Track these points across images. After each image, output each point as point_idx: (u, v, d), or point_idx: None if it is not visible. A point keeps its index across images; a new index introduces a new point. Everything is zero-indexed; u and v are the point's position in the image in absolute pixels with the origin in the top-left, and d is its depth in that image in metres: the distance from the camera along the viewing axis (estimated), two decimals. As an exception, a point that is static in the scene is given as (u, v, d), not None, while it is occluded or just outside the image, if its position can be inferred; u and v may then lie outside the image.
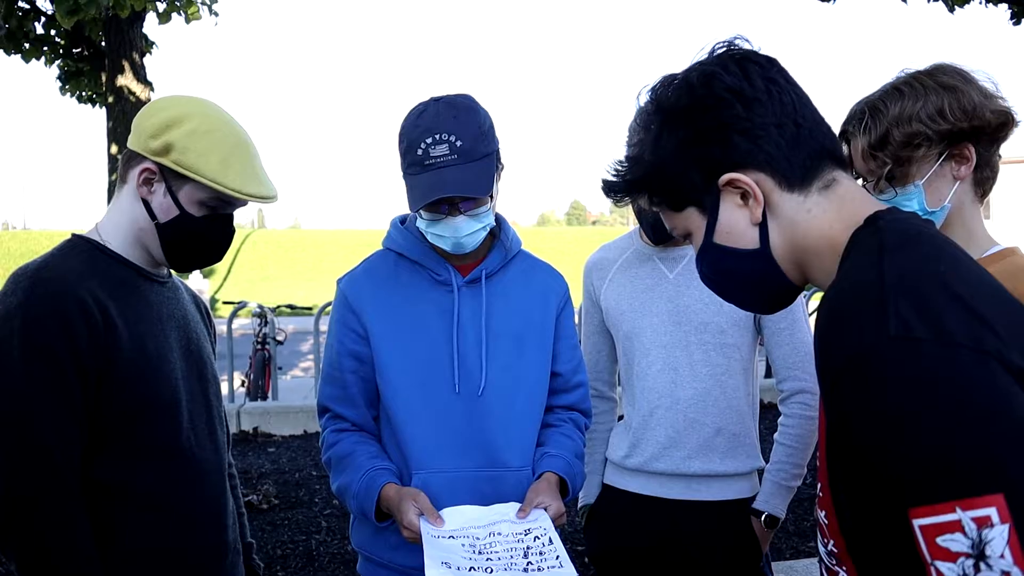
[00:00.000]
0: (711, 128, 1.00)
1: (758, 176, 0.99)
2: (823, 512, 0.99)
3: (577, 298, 2.28)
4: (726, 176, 1.00)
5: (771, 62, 1.02)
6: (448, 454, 1.71)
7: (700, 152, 1.01)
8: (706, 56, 1.05)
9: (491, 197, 1.70)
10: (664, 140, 1.03)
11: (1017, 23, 6.71)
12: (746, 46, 1.04)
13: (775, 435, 2.13)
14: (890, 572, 0.85)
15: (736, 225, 1.03)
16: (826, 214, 0.99)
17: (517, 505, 1.65)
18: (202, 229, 1.58)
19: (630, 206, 2.06)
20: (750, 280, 1.06)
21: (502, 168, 1.75)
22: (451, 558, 1.49)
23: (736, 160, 0.99)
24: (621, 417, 2.23)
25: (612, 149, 2.09)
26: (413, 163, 1.63)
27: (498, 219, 1.82)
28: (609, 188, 1.12)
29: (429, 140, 1.61)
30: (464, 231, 1.67)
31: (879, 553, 0.86)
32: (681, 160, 1.02)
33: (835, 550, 0.98)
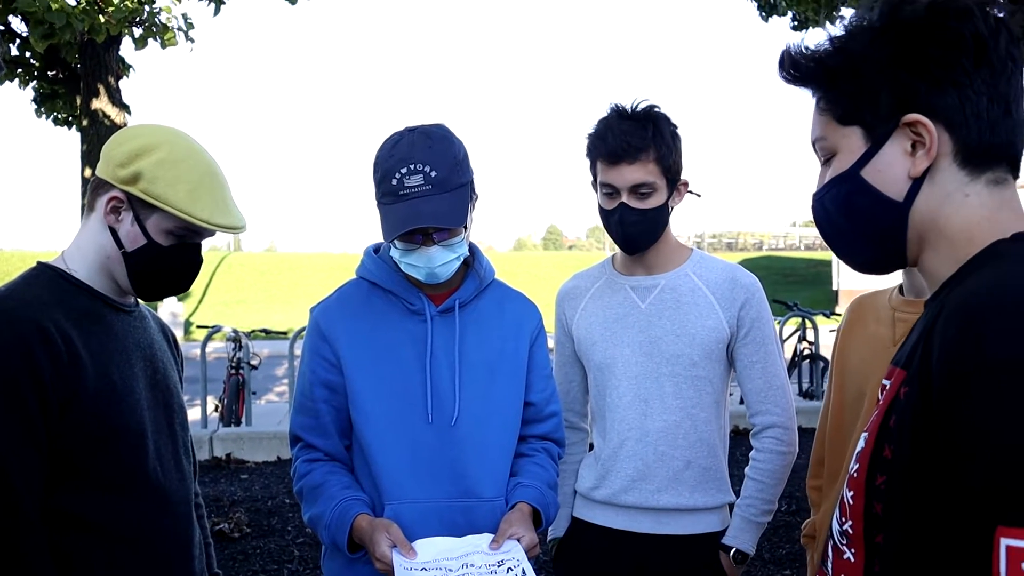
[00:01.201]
0: (933, 62, 0.92)
1: (943, 134, 0.93)
2: (851, 492, 0.96)
3: (551, 326, 2.28)
4: (915, 116, 0.93)
5: (1019, 40, 0.96)
6: (421, 484, 1.70)
7: (907, 78, 0.93)
8: None
9: (465, 227, 1.69)
10: (880, 44, 0.95)
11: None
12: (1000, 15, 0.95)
13: (747, 469, 2.11)
14: (926, 570, 0.84)
15: (892, 168, 0.96)
16: (981, 208, 0.93)
17: (490, 536, 1.64)
18: (170, 258, 1.57)
19: (605, 231, 2.06)
20: (871, 229, 0.99)
21: (476, 198, 1.75)
22: None
23: (933, 106, 0.92)
24: (592, 447, 2.21)
25: (588, 173, 2.09)
26: (387, 193, 1.63)
27: (472, 248, 1.82)
28: (793, 64, 1.01)
29: (404, 170, 1.61)
30: (438, 261, 1.67)
31: (925, 551, 0.85)
32: (884, 73, 0.94)
33: (850, 531, 0.96)
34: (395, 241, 1.67)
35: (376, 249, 1.86)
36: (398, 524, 1.63)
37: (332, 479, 1.72)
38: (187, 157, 1.54)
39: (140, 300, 1.69)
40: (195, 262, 1.63)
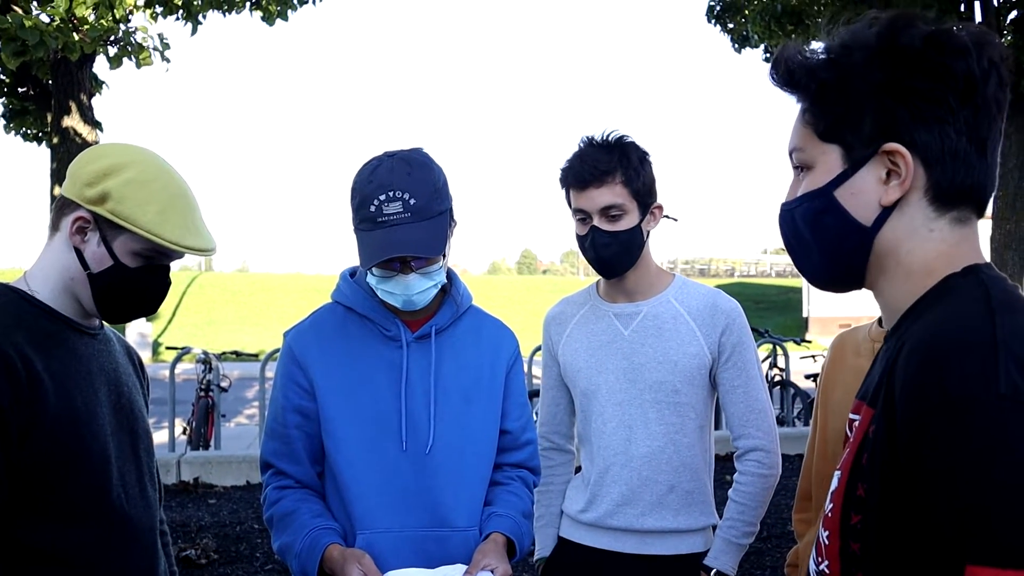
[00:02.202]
0: (920, 95, 0.92)
1: (919, 168, 0.94)
2: (827, 532, 0.96)
3: (527, 350, 2.28)
4: (895, 145, 0.93)
5: (1007, 84, 0.97)
6: (394, 513, 1.67)
7: (893, 106, 0.93)
8: (973, 25, 0.95)
9: (444, 255, 1.69)
10: (873, 67, 0.94)
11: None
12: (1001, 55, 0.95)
13: (729, 491, 2.14)
14: None
15: (865, 193, 0.96)
16: (943, 244, 0.95)
17: (463, 567, 1.62)
18: (136, 281, 1.53)
19: (581, 256, 2.08)
20: (835, 249, 1.00)
21: (455, 225, 1.73)
22: None
23: (914, 139, 0.93)
24: (579, 469, 2.22)
25: (563, 198, 2.10)
26: (365, 219, 1.61)
27: (449, 274, 1.81)
28: (787, 68, 1.02)
29: (383, 197, 1.59)
30: (415, 289, 1.65)
31: None
32: (871, 97, 0.94)
33: (827, 571, 0.96)
34: (373, 268, 1.65)
35: (352, 273, 1.84)
36: (371, 554, 1.60)
37: (303, 507, 1.69)
38: (157, 177, 1.51)
39: (105, 323, 1.66)
40: (163, 284, 1.59)
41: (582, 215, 2.01)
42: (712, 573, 2.05)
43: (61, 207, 1.52)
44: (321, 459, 1.74)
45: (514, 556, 1.73)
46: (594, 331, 2.11)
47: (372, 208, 1.59)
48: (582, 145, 2.03)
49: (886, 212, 0.96)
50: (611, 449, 2.05)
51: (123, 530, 1.54)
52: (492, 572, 1.59)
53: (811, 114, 1.00)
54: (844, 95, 0.97)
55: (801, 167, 1.03)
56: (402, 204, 1.58)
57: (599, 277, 2.14)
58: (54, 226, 1.54)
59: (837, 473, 0.97)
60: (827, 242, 1.01)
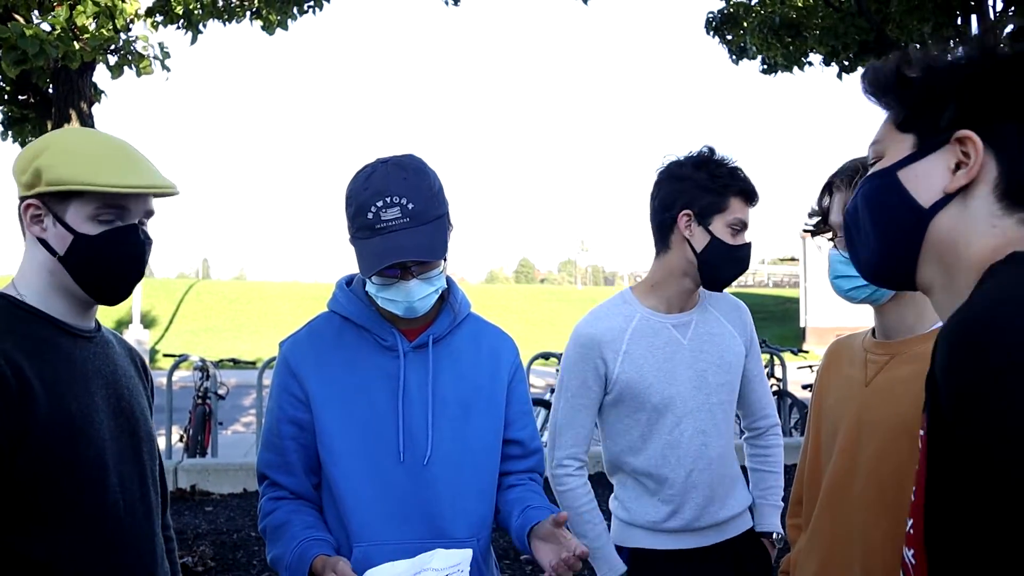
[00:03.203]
0: (1006, 90, 0.92)
1: (990, 161, 0.92)
2: (911, 551, 0.91)
3: (526, 359, 2.28)
4: (967, 132, 0.92)
5: None
6: (391, 525, 1.65)
7: (976, 97, 0.93)
8: None
9: (444, 259, 1.67)
10: (963, 67, 0.94)
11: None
12: None
13: (758, 464, 2.36)
14: None
15: (930, 177, 0.95)
16: (1004, 241, 0.91)
17: (441, 551, 1.59)
18: (103, 247, 1.45)
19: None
20: (891, 228, 0.98)
21: (452, 229, 1.70)
22: None
23: (991, 130, 0.92)
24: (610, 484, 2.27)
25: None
26: (363, 227, 1.58)
27: (448, 281, 1.79)
28: (874, 75, 1.01)
29: (380, 203, 1.56)
30: (416, 295, 1.62)
31: None
32: (955, 91, 0.94)
33: None
34: (372, 276, 1.62)
35: (348, 282, 1.82)
36: (368, 566, 1.58)
37: (295, 518, 1.68)
38: (84, 139, 1.47)
39: (105, 326, 1.63)
40: (133, 243, 1.48)
41: (741, 227, 2.09)
42: (775, 536, 2.27)
43: (20, 211, 1.48)
44: (317, 470, 1.72)
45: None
46: (655, 344, 2.13)
47: (370, 215, 1.56)
48: (728, 160, 2.10)
49: (947, 198, 0.94)
50: (690, 456, 2.12)
51: (122, 538, 1.51)
52: (573, 552, 1.48)
53: (893, 106, 1.00)
54: (928, 87, 0.97)
55: (876, 159, 1.03)
56: (400, 209, 1.56)
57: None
58: (23, 231, 1.51)
59: (913, 488, 0.92)
60: (884, 221, 0.99)
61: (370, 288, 1.67)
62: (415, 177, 1.60)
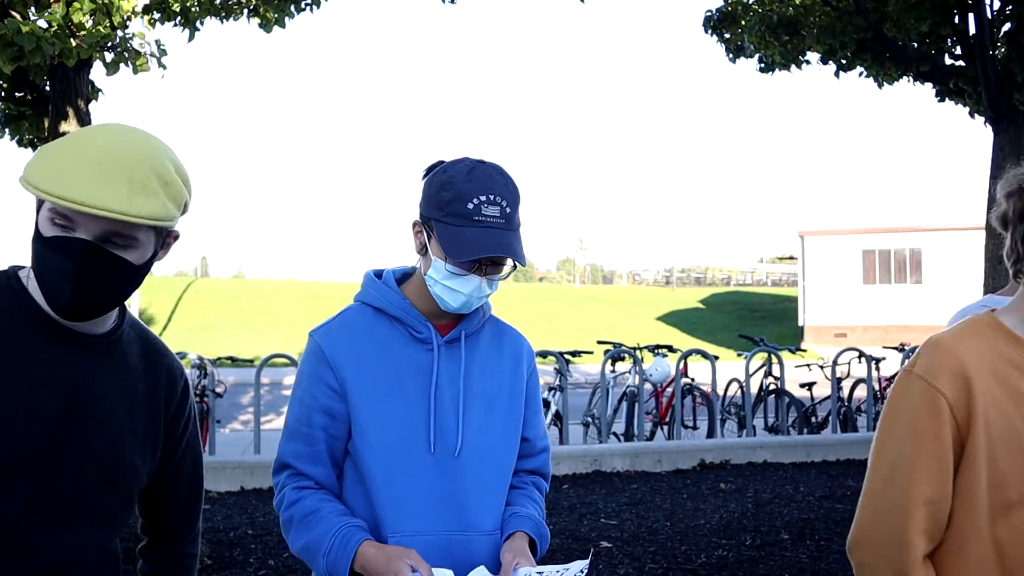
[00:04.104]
0: None
1: None
2: None
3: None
4: None
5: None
6: (422, 516, 1.67)
7: None
8: None
9: (513, 269, 1.75)
10: None
11: (941, 100, 7.04)
12: None
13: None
14: None
15: None
16: None
17: (486, 572, 1.62)
18: (49, 251, 1.31)
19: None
20: None
21: None
22: None
23: None
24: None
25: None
26: (458, 214, 1.64)
27: None
28: None
29: (483, 198, 1.64)
30: (479, 292, 1.69)
31: None
32: None
33: None
34: (448, 264, 1.66)
35: (378, 275, 1.84)
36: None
37: (326, 506, 1.68)
38: (78, 139, 1.33)
39: (141, 335, 1.52)
40: (73, 258, 1.30)
41: None
42: None
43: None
44: (341, 462, 1.74)
45: (536, 555, 1.73)
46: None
47: (469, 206, 1.63)
48: None
49: None
50: None
51: (21, 558, 1.36)
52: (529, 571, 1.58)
53: None
54: None
55: None
56: (499, 210, 1.64)
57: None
58: None
59: None
60: None
61: (434, 274, 1.69)
62: (511, 184, 1.70)
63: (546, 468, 1.93)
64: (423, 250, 1.73)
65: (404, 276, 1.81)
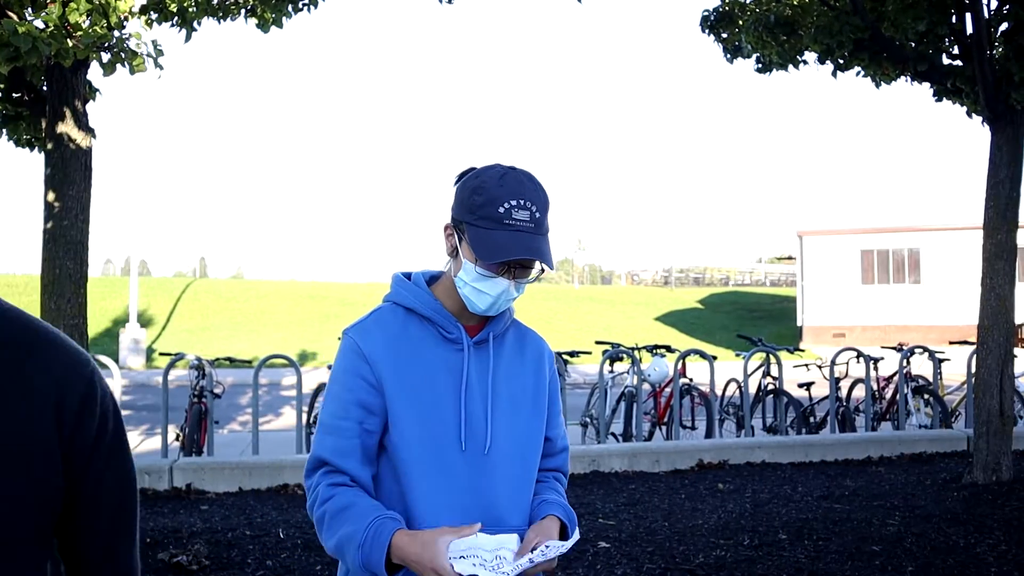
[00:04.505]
0: None
1: None
2: None
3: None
4: None
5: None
6: (453, 513, 1.71)
7: None
8: None
9: (541, 273, 1.80)
10: None
11: (939, 100, 7.04)
12: None
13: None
14: None
15: None
16: None
17: (516, 537, 1.69)
18: None
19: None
20: None
21: None
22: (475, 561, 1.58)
23: None
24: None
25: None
26: (489, 218, 1.69)
27: None
28: None
29: (514, 203, 1.69)
30: (507, 295, 1.74)
31: None
32: None
33: None
34: (478, 266, 1.71)
35: (407, 276, 1.89)
36: None
37: (360, 500, 1.70)
38: None
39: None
40: None
41: None
42: None
43: None
44: (374, 460, 1.76)
45: (566, 539, 1.78)
46: None
47: (500, 210, 1.68)
48: None
49: None
50: None
51: None
52: (546, 547, 1.63)
53: None
54: None
55: None
56: (529, 215, 1.69)
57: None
58: None
59: None
60: None
61: (464, 276, 1.75)
62: (541, 190, 1.74)
63: (566, 467, 2.00)
64: (454, 252, 1.78)
65: (432, 278, 1.86)
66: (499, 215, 1.68)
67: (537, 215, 1.70)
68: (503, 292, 1.73)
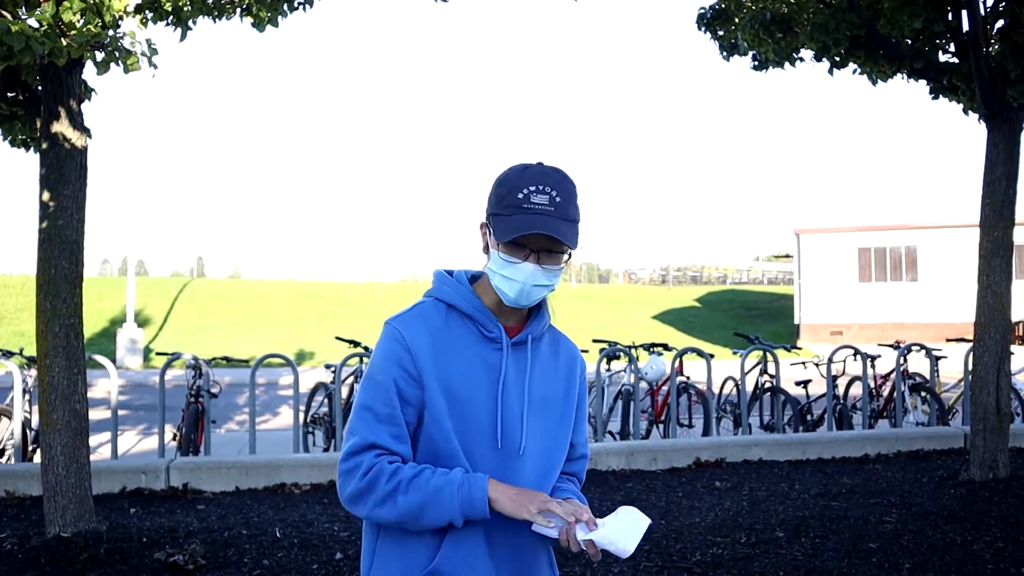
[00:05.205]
0: None
1: None
2: None
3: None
4: None
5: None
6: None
7: None
8: None
9: (565, 262, 1.80)
10: None
11: (935, 97, 7.04)
12: None
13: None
14: None
15: None
16: None
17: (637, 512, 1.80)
18: None
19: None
20: None
21: (579, 247, 1.82)
22: None
23: None
24: None
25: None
26: (509, 205, 1.71)
27: None
28: None
29: (532, 188, 1.71)
30: (534, 280, 1.73)
31: None
32: None
33: None
34: (502, 252, 1.74)
35: (449, 273, 1.89)
36: (464, 548, 1.71)
37: (427, 467, 1.71)
38: None
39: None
40: None
41: None
42: None
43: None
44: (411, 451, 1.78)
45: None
46: None
47: (520, 195, 1.71)
48: None
49: None
50: None
51: None
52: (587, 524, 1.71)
53: None
54: None
55: None
56: (549, 199, 1.70)
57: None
58: None
59: None
60: None
61: (492, 265, 1.77)
62: (566, 180, 1.76)
63: (582, 474, 2.02)
64: (486, 248, 1.81)
65: (474, 277, 1.87)
66: (518, 200, 1.70)
67: (558, 199, 1.71)
68: (529, 277, 1.73)
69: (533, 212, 1.69)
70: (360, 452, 1.73)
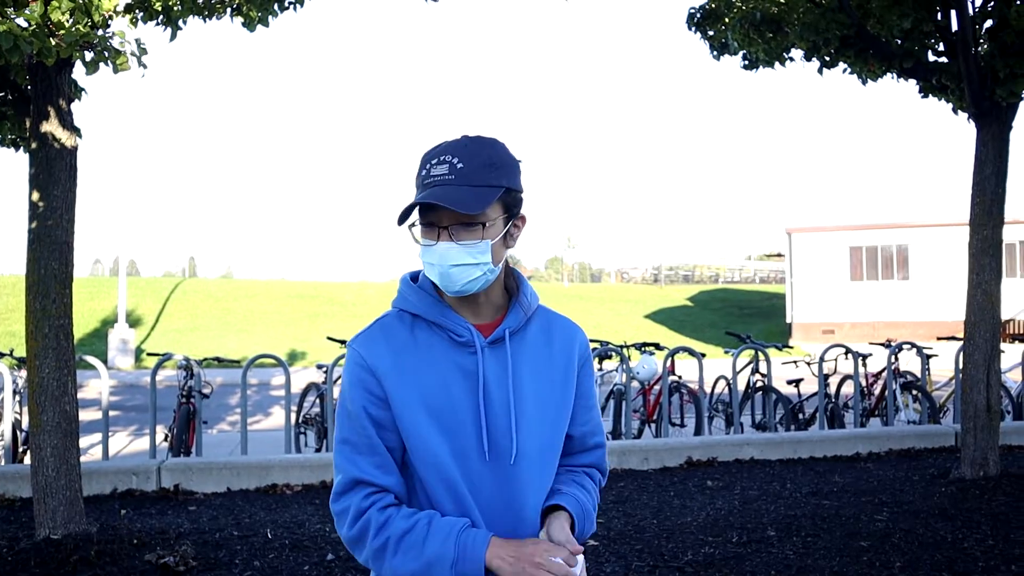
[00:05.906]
0: None
1: None
2: None
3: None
4: None
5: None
6: (482, 525, 1.63)
7: None
8: None
9: (483, 226, 1.60)
10: None
11: (925, 96, 7.06)
12: None
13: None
14: None
15: None
16: None
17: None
18: None
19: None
20: None
21: (518, 216, 1.68)
22: None
23: None
24: None
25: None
26: (418, 186, 1.61)
27: (517, 276, 1.77)
28: None
29: (434, 160, 1.59)
30: (451, 260, 1.58)
31: None
32: None
33: None
34: (420, 238, 1.62)
35: (414, 278, 1.76)
36: None
37: (420, 518, 1.60)
38: None
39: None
40: None
41: None
42: None
43: None
44: (403, 470, 1.67)
45: (574, 533, 1.68)
46: None
47: (422, 173, 1.60)
48: None
49: None
50: None
51: None
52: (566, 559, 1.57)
53: None
54: None
55: None
56: (448, 167, 1.57)
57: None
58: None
59: None
60: None
61: (421, 254, 1.64)
62: (475, 145, 1.61)
63: (602, 464, 1.86)
64: None
65: None
66: (421, 177, 1.60)
67: (459, 165, 1.56)
68: (443, 257, 1.58)
69: (431, 186, 1.57)
70: (347, 492, 1.64)
